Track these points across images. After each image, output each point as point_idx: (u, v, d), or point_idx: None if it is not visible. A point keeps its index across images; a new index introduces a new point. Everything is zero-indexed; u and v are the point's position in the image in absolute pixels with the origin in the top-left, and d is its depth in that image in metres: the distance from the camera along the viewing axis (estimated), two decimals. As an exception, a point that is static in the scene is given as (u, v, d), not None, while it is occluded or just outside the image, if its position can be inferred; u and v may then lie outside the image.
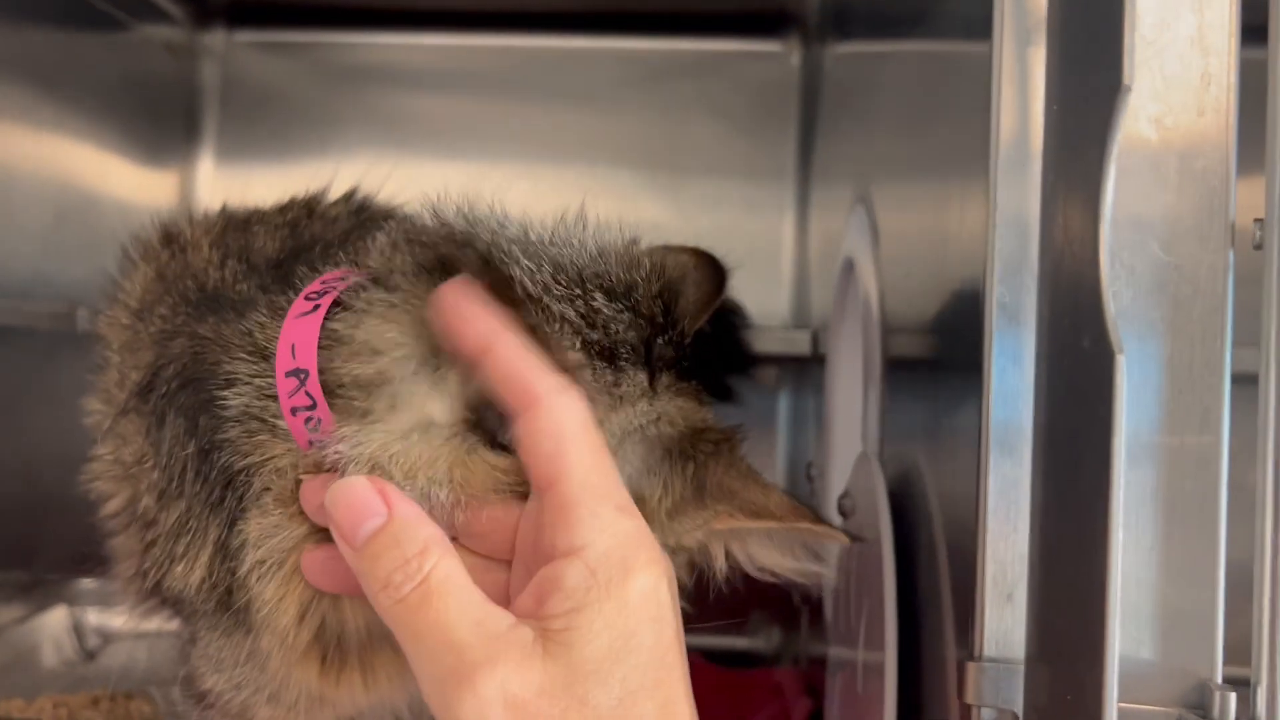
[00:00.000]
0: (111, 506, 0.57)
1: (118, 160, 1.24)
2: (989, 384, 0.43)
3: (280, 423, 0.45)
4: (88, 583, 1.06)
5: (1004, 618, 0.42)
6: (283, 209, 0.66)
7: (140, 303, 0.60)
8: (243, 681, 0.48)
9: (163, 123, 1.34)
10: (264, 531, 0.45)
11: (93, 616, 1.05)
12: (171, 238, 0.64)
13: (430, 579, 0.36)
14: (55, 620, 1.03)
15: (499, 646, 0.34)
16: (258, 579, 0.44)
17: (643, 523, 0.38)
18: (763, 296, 1.32)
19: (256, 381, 0.46)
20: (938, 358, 0.56)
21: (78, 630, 1.04)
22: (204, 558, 0.47)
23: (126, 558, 0.56)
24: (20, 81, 1.03)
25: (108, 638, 1.04)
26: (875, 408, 0.69)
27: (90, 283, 1.15)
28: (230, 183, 1.37)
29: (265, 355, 0.47)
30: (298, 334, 0.45)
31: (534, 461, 0.38)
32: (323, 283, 0.48)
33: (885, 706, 0.52)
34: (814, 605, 0.93)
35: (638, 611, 0.36)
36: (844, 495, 0.71)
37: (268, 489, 0.45)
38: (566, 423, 0.37)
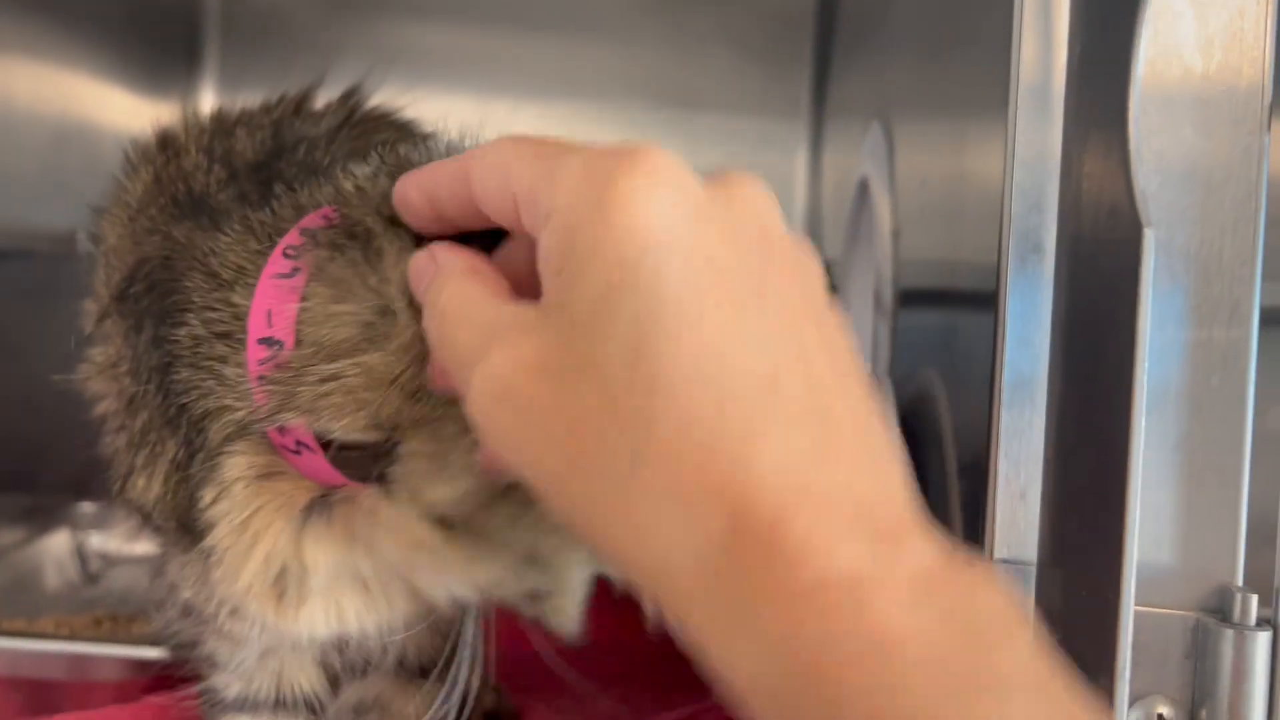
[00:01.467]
0: (103, 407, 0.56)
1: (117, 88, 1.22)
2: (1005, 277, 0.41)
3: (228, 372, 0.42)
4: (89, 507, 1.05)
5: (1016, 519, 0.41)
6: (269, 107, 0.63)
7: (138, 205, 0.59)
8: (207, 596, 0.47)
9: (163, 51, 1.31)
10: (225, 478, 0.42)
11: (94, 540, 1.05)
12: (167, 142, 0.62)
13: (442, 296, 0.33)
14: (57, 543, 1.02)
15: (501, 330, 0.30)
16: (216, 524, 0.42)
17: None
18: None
19: (207, 314, 0.43)
20: (953, 266, 0.55)
21: (80, 553, 1.03)
22: (160, 474, 0.45)
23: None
24: (20, 8, 1.01)
25: (110, 561, 1.04)
26: (885, 329, 0.67)
27: (89, 208, 1.15)
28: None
29: (222, 283, 0.43)
30: (274, 299, 0.41)
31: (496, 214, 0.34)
32: (302, 233, 0.43)
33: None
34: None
35: (639, 236, 0.28)
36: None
37: (228, 439, 0.43)
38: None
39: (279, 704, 0.55)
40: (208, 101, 1.35)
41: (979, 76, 0.50)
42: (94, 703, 0.71)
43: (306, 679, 0.54)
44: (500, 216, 0.34)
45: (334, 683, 0.56)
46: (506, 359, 0.29)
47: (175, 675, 0.73)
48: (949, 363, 0.56)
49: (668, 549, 0.26)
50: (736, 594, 0.25)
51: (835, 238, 1.12)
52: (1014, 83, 0.42)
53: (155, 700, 0.72)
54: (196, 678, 0.60)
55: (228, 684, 0.54)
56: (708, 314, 0.27)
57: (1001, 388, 0.41)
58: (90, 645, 0.71)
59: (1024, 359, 0.41)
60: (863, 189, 0.81)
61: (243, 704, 0.54)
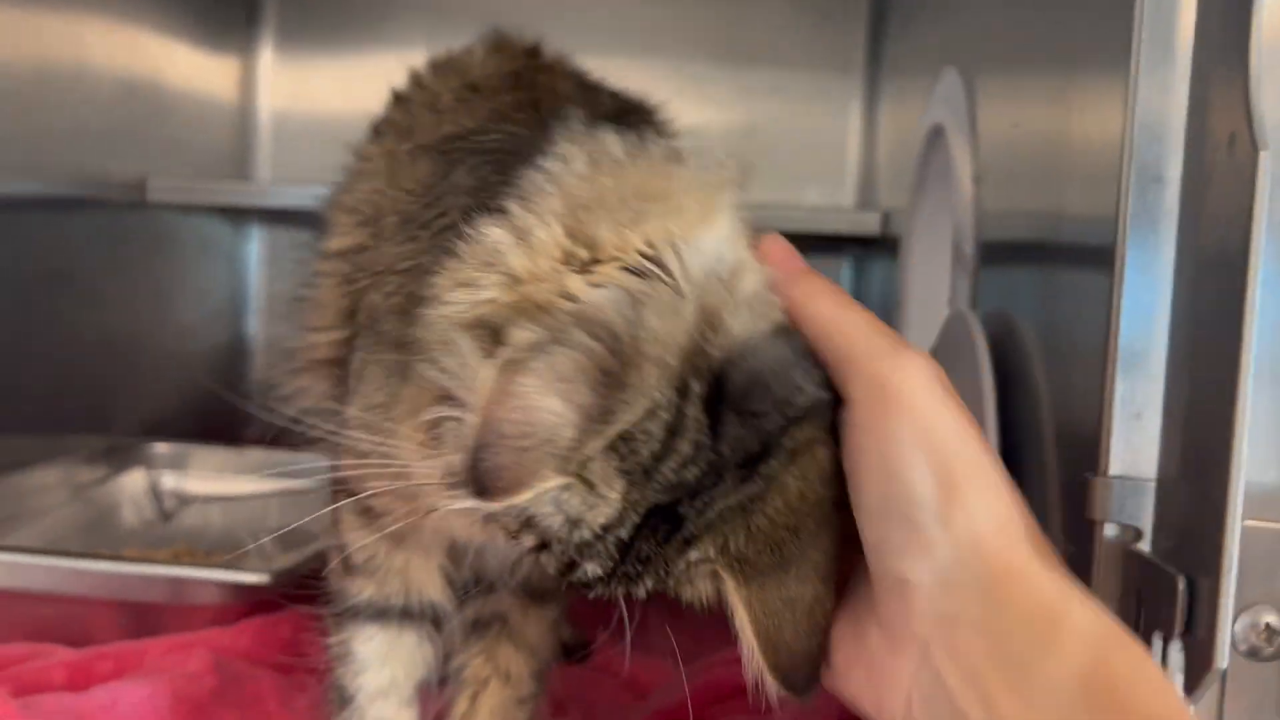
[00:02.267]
0: (341, 242, 0.59)
1: (181, 44, 1.24)
2: (1126, 204, 0.43)
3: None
4: (163, 448, 1.08)
5: (1132, 436, 0.43)
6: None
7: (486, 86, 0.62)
8: (373, 420, 0.47)
9: (224, 7, 1.33)
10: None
11: (168, 480, 1.07)
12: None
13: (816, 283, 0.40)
14: (134, 481, 1.05)
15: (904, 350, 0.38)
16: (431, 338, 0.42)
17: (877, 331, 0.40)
18: (828, 186, 1.31)
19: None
20: (1056, 211, 0.56)
21: (155, 492, 1.06)
22: (402, 287, 0.47)
23: None
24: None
25: (183, 500, 1.07)
26: (966, 271, 0.69)
27: (157, 158, 1.17)
28: (290, 69, 1.37)
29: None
30: None
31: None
32: None
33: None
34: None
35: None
36: (930, 358, 0.71)
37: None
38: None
39: (406, 613, 0.57)
40: (266, 56, 1.36)
41: (1090, 19, 0.51)
42: (193, 625, 0.74)
43: (433, 586, 0.56)
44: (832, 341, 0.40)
45: (457, 598, 0.58)
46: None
47: (275, 599, 0.76)
48: (1048, 304, 0.57)
49: None
50: None
51: (892, 190, 1.13)
52: (1138, 23, 0.43)
53: (253, 623, 0.74)
54: (312, 598, 0.62)
55: (361, 589, 0.56)
56: None
57: (1119, 318, 0.43)
58: (192, 569, 0.74)
59: (1143, 288, 0.42)
60: (935, 136, 0.82)
61: (373, 610, 0.56)
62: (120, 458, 1.05)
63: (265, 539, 0.91)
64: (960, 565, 0.36)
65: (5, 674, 0.66)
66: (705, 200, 0.41)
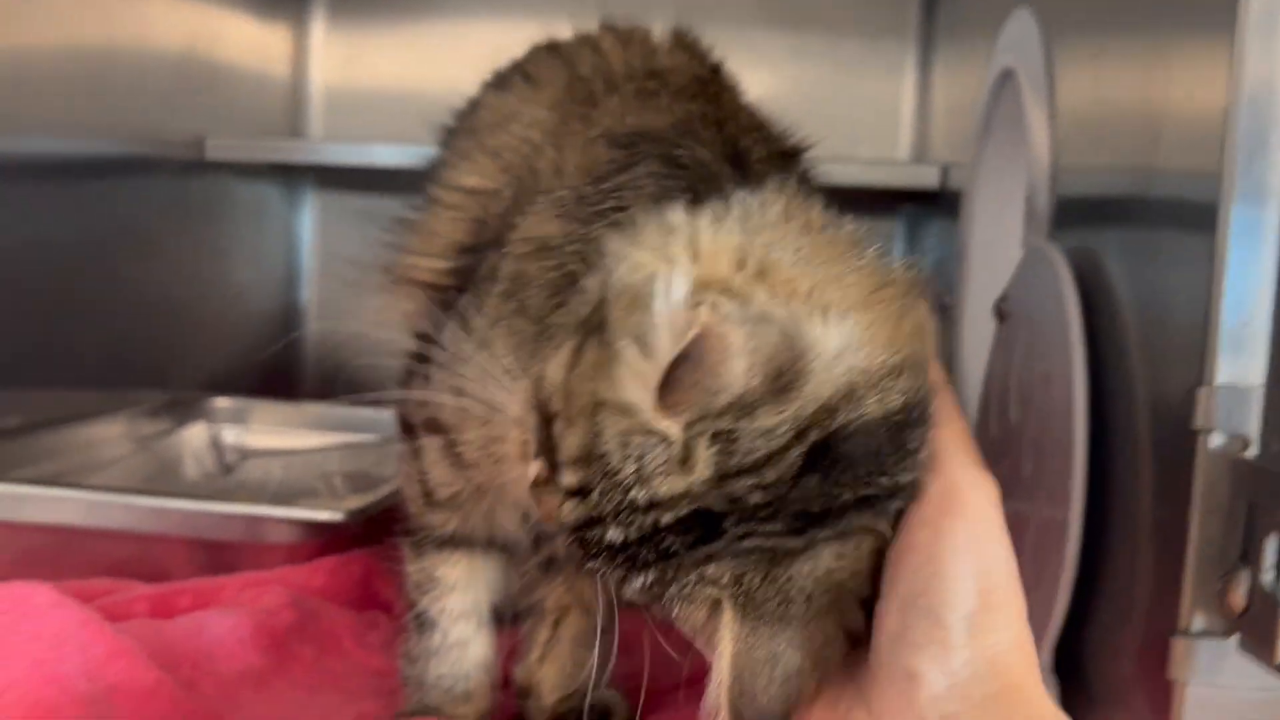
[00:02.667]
0: (473, 181, 0.60)
1: (237, 11, 1.25)
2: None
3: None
4: (224, 402, 1.10)
5: (1240, 344, 0.42)
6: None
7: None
8: (467, 371, 0.48)
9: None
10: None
11: (229, 434, 1.09)
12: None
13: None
14: (195, 435, 1.07)
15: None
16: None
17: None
18: (882, 145, 1.30)
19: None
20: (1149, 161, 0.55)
21: (216, 446, 1.08)
22: (562, 266, 0.48)
23: None
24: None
25: (244, 454, 1.08)
26: (1043, 205, 0.68)
27: (214, 121, 1.18)
28: (341, 36, 1.37)
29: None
30: None
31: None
32: None
33: (1072, 488, 0.53)
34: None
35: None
36: (1002, 299, 0.71)
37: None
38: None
39: (489, 542, 0.58)
40: (318, 25, 1.37)
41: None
42: (267, 565, 0.75)
43: (513, 524, 0.57)
44: None
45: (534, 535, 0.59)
46: None
47: (347, 539, 0.77)
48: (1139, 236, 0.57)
49: None
50: None
51: (949, 144, 1.12)
52: None
53: (327, 562, 0.75)
54: (384, 538, 0.62)
55: (445, 521, 0.57)
56: None
57: (1229, 225, 0.42)
58: (269, 508, 0.75)
59: (1250, 202, 0.42)
60: (1003, 80, 0.81)
61: (457, 539, 0.57)
62: (182, 412, 1.07)
63: (336, 480, 0.92)
64: (974, 673, 0.38)
65: (93, 605, 0.67)
66: (868, 285, 0.42)
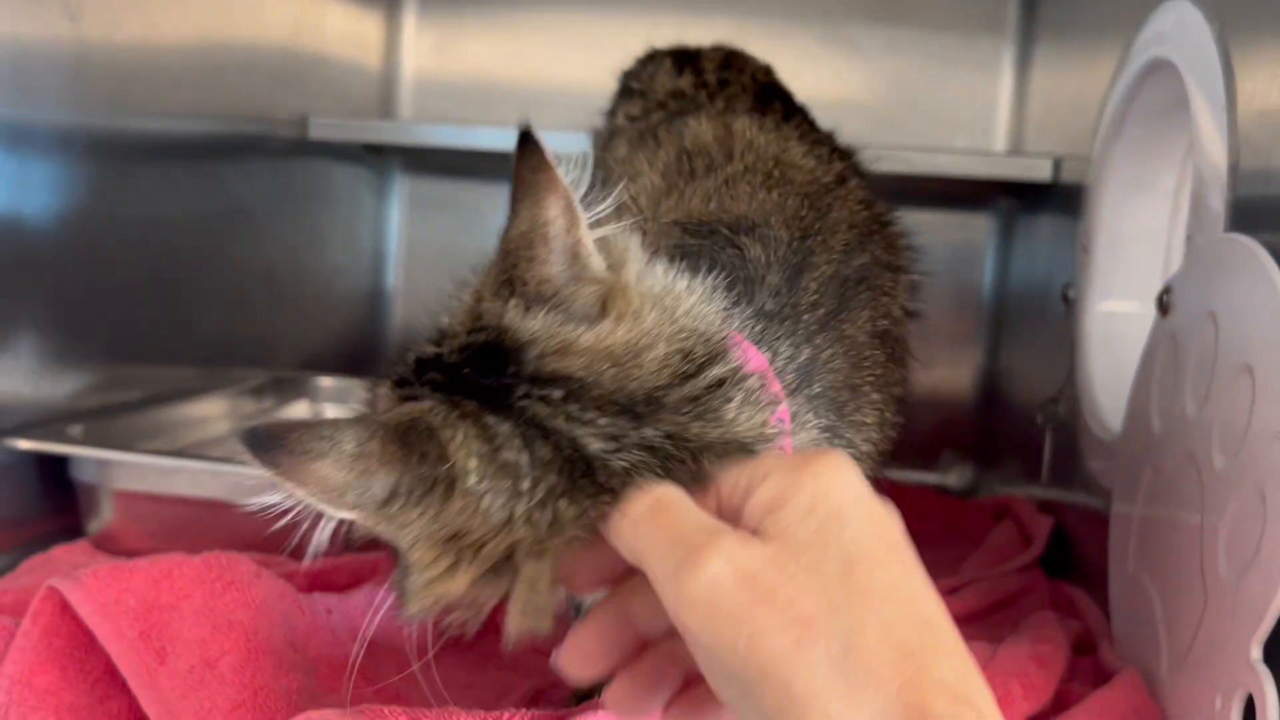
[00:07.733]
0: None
1: (334, 3, 1.26)
2: None
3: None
4: (326, 381, 1.09)
5: None
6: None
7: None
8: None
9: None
10: None
11: (330, 412, 1.08)
12: None
13: (659, 495, 0.41)
14: (297, 412, 1.06)
15: (719, 533, 0.38)
16: None
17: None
18: (977, 140, 1.29)
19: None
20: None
21: (319, 425, 1.07)
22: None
23: None
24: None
25: (346, 434, 1.08)
26: (1217, 202, 0.67)
27: (316, 102, 1.18)
28: (433, 24, 1.37)
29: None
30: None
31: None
32: None
33: None
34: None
35: (837, 496, 0.38)
36: (1165, 291, 0.70)
37: None
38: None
39: None
40: (411, 14, 1.36)
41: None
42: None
43: None
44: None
45: None
46: (742, 554, 0.37)
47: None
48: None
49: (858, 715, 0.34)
50: None
51: (1053, 145, 1.12)
52: None
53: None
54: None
55: None
56: (892, 556, 0.38)
57: None
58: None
59: None
60: (1149, 72, 0.81)
61: None
62: (285, 390, 1.06)
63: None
64: None
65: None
66: None
